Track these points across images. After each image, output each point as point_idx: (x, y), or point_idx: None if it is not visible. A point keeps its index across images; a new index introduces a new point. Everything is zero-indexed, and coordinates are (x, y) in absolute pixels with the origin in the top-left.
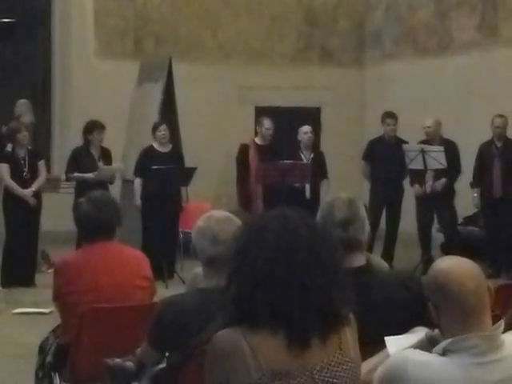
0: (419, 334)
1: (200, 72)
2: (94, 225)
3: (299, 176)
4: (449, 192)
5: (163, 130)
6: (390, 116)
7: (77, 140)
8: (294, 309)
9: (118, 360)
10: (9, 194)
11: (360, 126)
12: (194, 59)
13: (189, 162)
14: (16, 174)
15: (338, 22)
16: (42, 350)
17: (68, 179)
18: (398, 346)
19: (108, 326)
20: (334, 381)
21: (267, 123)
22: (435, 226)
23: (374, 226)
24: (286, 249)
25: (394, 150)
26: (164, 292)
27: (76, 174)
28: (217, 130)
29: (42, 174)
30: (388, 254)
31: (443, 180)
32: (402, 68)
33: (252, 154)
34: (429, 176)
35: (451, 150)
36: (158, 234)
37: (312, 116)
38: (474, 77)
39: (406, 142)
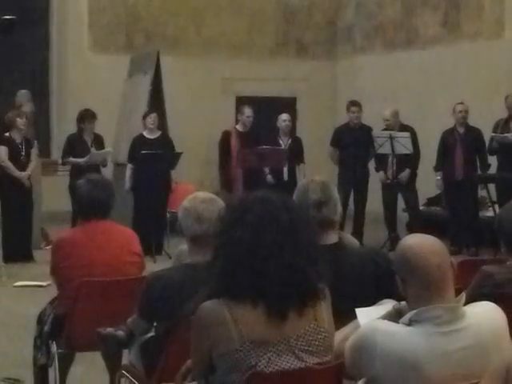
0: (387, 305)
1: (185, 65)
2: (92, 204)
3: (276, 160)
4: (411, 175)
5: (153, 117)
6: (354, 104)
7: (73, 127)
8: (273, 284)
9: (110, 329)
10: (4, 175)
11: (332, 114)
12: (180, 53)
13: (175, 148)
14: (14, 157)
15: (312, 18)
16: (40, 321)
17: (64, 163)
18: (367, 317)
19: (101, 298)
20: (310, 348)
21: (248, 111)
22: (401, 206)
23: (343, 206)
24: (268, 230)
25: (358, 136)
26: (152, 267)
27: (71, 159)
28: (201, 118)
29: (34, 161)
30: (358, 232)
31: (407, 171)
32: (372, 61)
33: (234, 140)
34: (391, 163)
35: (412, 134)
36: (147, 214)
37: (288, 105)
38: (438, 69)
39: (370, 128)
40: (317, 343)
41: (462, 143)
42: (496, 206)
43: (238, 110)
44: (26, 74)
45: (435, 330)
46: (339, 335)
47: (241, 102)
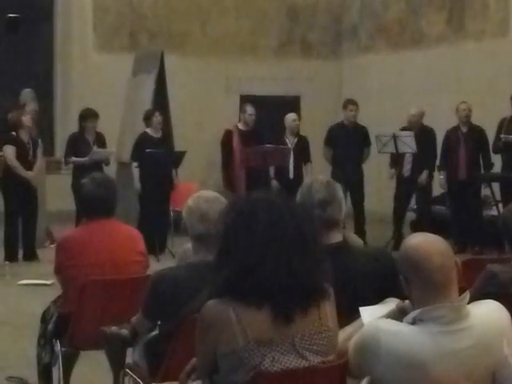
0: (391, 304)
1: (190, 64)
2: (97, 203)
3: (280, 159)
4: (428, 175)
5: (158, 116)
6: (351, 103)
7: (77, 126)
8: (279, 289)
9: (114, 328)
10: (9, 174)
11: (337, 113)
12: (184, 52)
13: (179, 146)
14: (22, 157)
15: (317, 17)
16: (44, 319)
17: (66, 163)
18: (371, 315)
19: (105, 297)
20: (314, 348)
21: (250, 110)
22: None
23: None
24: (274, 236)
25: (351, 135)
26: (156, 265)
27: (73, 159)
28: (205, 117)
29: (39, 160)
30: (360, 232)
31: (425, 173)
32: (376, 60)
33: (236, 139)
34: (407, 160)
35: (430, 137)
36: (151, 213)
37: (293, 104)
38: (443, 69)
39: (364, 128)
40: (321, 342)
41: (465, 142)
42: (500, 205)
43: (241, 109)
44: (30, 73)
45: (439, 329)
46: (343, 334)
47: (245, 101)
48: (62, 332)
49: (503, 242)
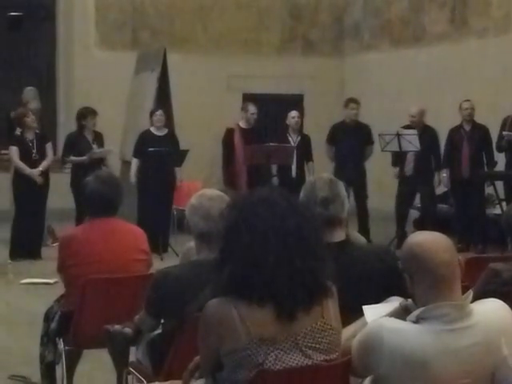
0: (394, 303)
1: (192, 62)
2: (100, 201)
3: (283, 157)
4: (428, 173)
5: (159, 115)
6: (352, 101)
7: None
8: (282, 287)
9: (117, 326)
10: (18, 174)
11: (339, 111)
12: (186, 50)
13: (181, 145)
14: (25, 156)
15: (319, 15)
16: (47, 318)
17: (64, 162)
18: (374, 314)
19: (108, 295)
20: (317, 346)
21: (252, 108)
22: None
23: None
24: (277, 235)
25: (353, 134)
26: (159, 264)
27: (72, 158)
28: (207, 115)
29: (49, 156)
30: (364, 230)
31: (444, 175)
32: (379, 58)
33: (237, 137)
34: (409, 159)
35: (432, 136)
36: (153, 211)
37: (295, 102)
38: (445, 66)
39: (367, 126)
40: (324, 340)
41: (468, 141)
42: (503, 204)
43: (242, 107)
44: (32, 71)
45: (442, 327)
46: (346, 332)
47: (247, 99)
48: (65, 330)
49: (506, 241)
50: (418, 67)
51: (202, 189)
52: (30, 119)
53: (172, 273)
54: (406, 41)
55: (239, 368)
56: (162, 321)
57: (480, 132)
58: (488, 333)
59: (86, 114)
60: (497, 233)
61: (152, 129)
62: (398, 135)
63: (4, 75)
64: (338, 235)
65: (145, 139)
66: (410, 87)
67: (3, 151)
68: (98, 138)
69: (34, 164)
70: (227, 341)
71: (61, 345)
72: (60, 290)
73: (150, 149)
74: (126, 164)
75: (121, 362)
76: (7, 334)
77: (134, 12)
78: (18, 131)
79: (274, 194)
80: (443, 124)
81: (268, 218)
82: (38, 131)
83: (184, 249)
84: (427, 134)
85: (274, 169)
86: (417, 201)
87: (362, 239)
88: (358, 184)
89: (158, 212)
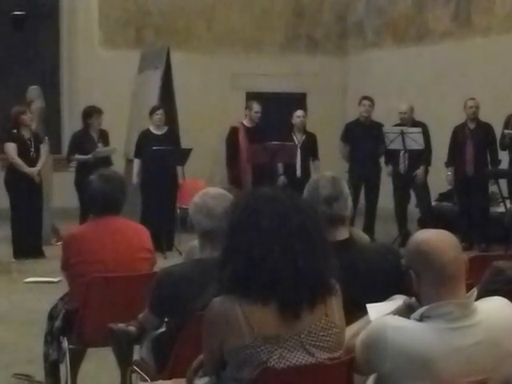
0: (398, 301)
1: (196, 60)
2: (104, 200)
3: (287, 156)
4: (424, 172)
5: (160, 114)
6: (365, 98)
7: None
8: (286, 284)
9: (121, 325)
10: (13, 172)
11: (343, 109)
12: (190, 48)
13: (185, 143)
14: (24, 154)
15: (323, 13)
16: (51, 317)
17: (69, 161)
18: (378, 312)
19: (112, 294)
20: (320, 344)
21: (256, 107)
22: (413, 202)
23: (354, 202)
24: (279, 233)
25: (369, 132)
26: (162, 263)
27: (76, 156)
28: (211, 113)
29: (44, 156)
30: (369, 228)
31: (422, 168)
32: (382, 56)
33: (241, 136)
34: (403, 157)
35: (424, 132)
36: (156, 210)
37: (299, 101)
38: (449, 64)
39: (381, 124)
40: (328, 339)
41: (472, 139)
42: (507, 202)
43: (247, 106)
44: (36, 70)
45: (447, 325)
46: (350, 331)
47: (251, 97)
48: (69, 329)
49: (510, 239)
50: (421, 65)
51: (205, 187)
52: (27, 117)
53: (176, 271)
54: (410, 39)
55: (243, 366)
56: (166, 319)
57: (484, 130)
58: (492, 331)
59: (91, 113)
60: (501, 231)
61: (151, 128)
62: (403, 133)
63: (8, 74)
64: (342, 233)
65: (145, 139)
66: (414, 85)
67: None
68: (104, 137)
69: (32, 162)
70: (231, 339)
71: (65, 343)
72: (64, 288)
73: (154, 147)
74: (130, 163)
75: (125, 361)
76: (11, 333)
77: (137, 11)
78: (14, 130)
79: (277, 192)
80: (446, 122)
81: (271, 216)
82: (33, 130)
83: (187, 247)
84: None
85: (281, 168)
86: (413, 198)
87: (365, 237)
88: (372, 182)
89: (162, 211)
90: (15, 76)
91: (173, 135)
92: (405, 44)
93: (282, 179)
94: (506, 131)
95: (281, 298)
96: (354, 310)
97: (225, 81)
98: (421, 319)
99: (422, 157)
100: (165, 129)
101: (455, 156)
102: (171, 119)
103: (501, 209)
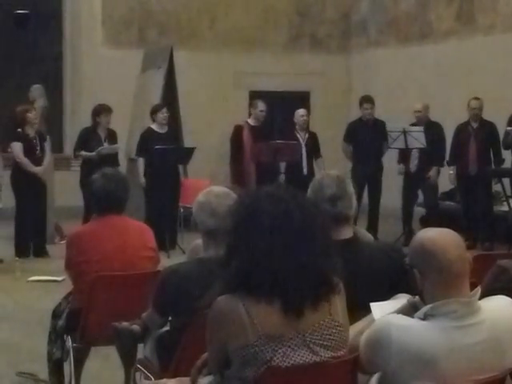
0: (402, 300)
1: (199, 59)
2: (108, 199)
3: (290, 155)
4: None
5: (165, 113)
6: (366, 101)
7: (86, 122)
8: (289, 283)
9: (125, 323)
10: (18, 171)
11: (346, 108)
12: (193, 47)
13: (188, 142)
14: (30, 153)
15: (326, 11)
16: (55, 315)
17: (75, 156)
18: (382, 311)
19: (116, 293)
20: (324, 343)
21: (261, 106)
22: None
23: (358, 201)
24: (281, 230)
25: (371, 131)
26: (166, 262)
27: (82, 152)
28: (214, 112)
29: (48, 154)
30: (372, 227)
31: (435, 169)
32: (386, 55)
33: (246, 135)
34: (414, 156)
35: (437, 132)
36: (159, 209)
37: (302, 99)
38: (452, 63)
39: (384, 123)
40: (332, 337)
41: (475, 137)
42: (511, 201)
43: (251, 104)
44: (39, 69)
45: (451, 324)
46: (354, 329)
47: (254, 96)
48: (73, 328)
49: None
50: (424, 64)
51: (208, 186)
52: (33, 115)
53: (179, 270)
54: (413, 37)
55: (247, 365)
56: (170, 318)
57: (487, 129)
58: (496, 329)
59: (100, 111)
60: (504, 230)
61: (154, 126)
62: (405, 132)
63: (11, 73)
64: (346, 232)
65: (148, 137)
66: (417, 84)
67: (9, 149)
68: (111, 136)
69: (37, 161)
70: (235, 338)
71: (69, 342)
72: (68, 287)
73: (157, 146)
74: (132, 162)
75: (129, 360)
76: (15, 332)
77: (140, 10)
78: (19, 129)
79: (281, 190)
80: (450, 120)
81: (274, 214)
82: (38, 130)
83: (191, 246)
84: (432, 129)
85: (283, 167)
86: (421, 198)
87: (369, 236)
88: (375, 181)
89: (165, 210)
90: (18, 75)
91: (175, 134)
92: (408, 42)
93: (282, 177)
94: (510, 128)
95: (284, 296)
96: (358, 309)
97: (228, 80)
98: (425, 318)
99: (433, 157)
100: (166, 128)
101: (458, 155)
102: (174, 118)
103: (504, 208)
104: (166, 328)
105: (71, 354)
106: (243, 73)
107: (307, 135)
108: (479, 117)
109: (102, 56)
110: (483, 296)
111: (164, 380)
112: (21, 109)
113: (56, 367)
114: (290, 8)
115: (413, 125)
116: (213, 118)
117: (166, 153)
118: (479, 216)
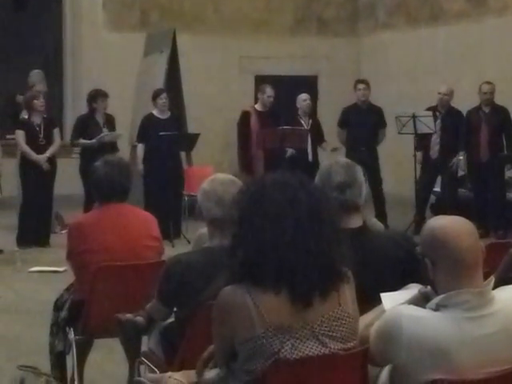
0: (413, 290)
1: (203, 43)
2: (110, 187)
3: (297, 141)
4: (452, 156)
5: (164, 98)
6: (360, 82)
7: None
8: (297, 272)
9: (128, 315)
10: (25, 159)
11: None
12: (197, 31)
13: (191, 128)
14: (32, 141)
15: None
16: (57, 307)
17: (73, 145)
18: (393, 301)
19: (119, 283)
20: (334, 334)
21: (269, 91)
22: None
23: None
24: (288, 217)
25: (365, 117)
26: (170, 251)
27: (81, 141)
28: (218, 97)
29: (57, 141)
30: (381, 215)
31: (460, 158)
32: (395, 37)
33: (253, 120)
34: (434, 142)
35: (459, 119)
36: (161, 197)
37: (309, 84)
38: (463, 45)
39: (380, 108)
40: (341, 329)
41: (487, 123)
42: None
43: (259, 89)
44: (39, 54)
45: (463, 315)
46: (364, 320)
47: (260, 81)
48: (76, 319)
49: None
50: (435, 46)
51: (213, 174)
52: (40, 102)
53: (184, 260)
54: (423, 19)
55: (254, 357)
56: (175, 309)
57: (499, 114)
58: (510, 321)
59: (96, 96)
60: None
61: (155, 112)
62: (414, 117)
63: (10, 57)
64: (355, 221)
65: (149, 123)
66: (427, 67)
67: (8, 136)
68: (110, 122)
69: (40, 149)
70: (242, 329)
71: (71, 334)
72: (69, 278)
73: (161, 133)
74: (135, 148)
75: (133, 352)
76: (16, 324)
77: None
78: (24, 114)
79: (288, 177)
80: (461, 104)
81: (281, 201)
82: (45, 115)
83: (196, 235)
84: (452, 116)
85: (290, 152)
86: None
87: (379, 225)
88: (371, 168)
89: (168, 198)
90: (17, 59)
91: (177, 120)
92: (418, 25)
93: (290, 152)
94: None
95: (292, 286)
96: (368, 300)
97: (233, 64)
98: (437, 308)
99: (457, 143)
100: (168, 113)
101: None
102: (177, 104)
103: None
104: (171, 319)
105: (74, 347)
106: (248, 57)
107: (311, 121)
108: (491, 101)
109: (103, 40)
110: (496, 285)
111: (169, 373)
112: (29, 95)
113: (58, 360)
114: None
115: (429, 109)
116: (217, 103)
117: (169, 139)
118: (492, 204)
